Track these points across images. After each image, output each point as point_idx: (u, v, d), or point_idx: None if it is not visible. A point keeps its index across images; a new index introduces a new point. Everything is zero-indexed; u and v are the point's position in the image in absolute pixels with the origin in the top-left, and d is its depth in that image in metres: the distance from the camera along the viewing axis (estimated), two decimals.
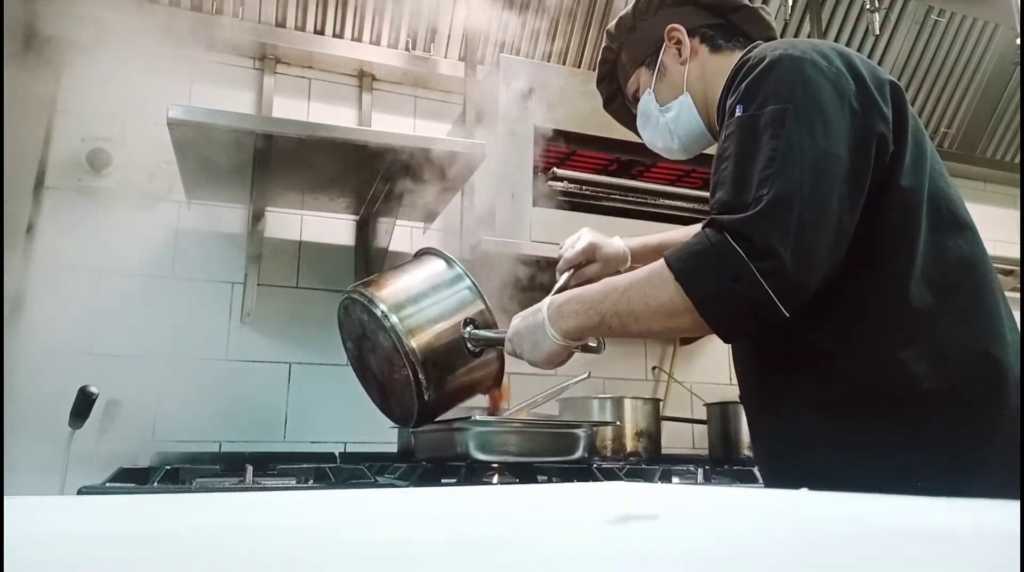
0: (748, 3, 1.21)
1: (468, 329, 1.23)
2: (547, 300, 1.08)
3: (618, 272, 1.30)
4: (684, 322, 0.91)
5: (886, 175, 0.93)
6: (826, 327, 0.93)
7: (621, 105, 1.35)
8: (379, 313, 1.21)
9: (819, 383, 0.94)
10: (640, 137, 1.31)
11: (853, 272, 0.91)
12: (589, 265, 1.40)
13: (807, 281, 0.86)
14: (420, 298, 1.25)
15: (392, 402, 1.32)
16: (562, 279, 1.36)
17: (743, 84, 0.96)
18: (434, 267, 1.31)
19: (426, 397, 1.22)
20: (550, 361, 1.09)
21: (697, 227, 1.31)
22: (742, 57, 1.04)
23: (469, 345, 1.23)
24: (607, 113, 1.40)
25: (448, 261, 1.31)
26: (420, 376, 1.20)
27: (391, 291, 1.24)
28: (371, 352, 1.30)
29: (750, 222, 0.85)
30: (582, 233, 1.40)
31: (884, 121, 0.94)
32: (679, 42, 1.20)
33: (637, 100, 1.28)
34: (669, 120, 1.21)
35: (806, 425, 0.95)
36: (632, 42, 1.27)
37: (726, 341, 0.99)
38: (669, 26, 1.20)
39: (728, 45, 1.18)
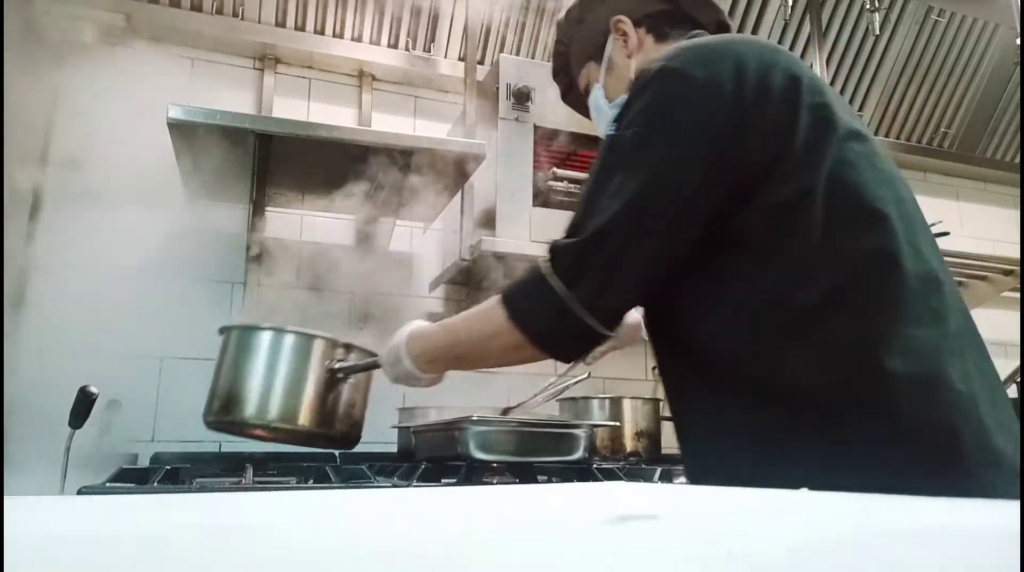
0: None
1: (337, 369, 1.28)
2: (403, 335, 1.13)
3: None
4: (528, 354, 0.97)
5: (764, 178, 0.88)
6: (711, 326, 0.92)
7: (577, 97, 1.31)
8: (250, 423, 1.26)
9: (704, 378, 0.94)
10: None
11: (737, 271, 0.90)
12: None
13: (623, 310, 0.93)
14: (269, 383, 1.27)
15: (320, 443, 1.40)
16: None
17: (627, 98, 0.95)
18: (257, 344, 1.30)
19: (335, 433, 1.31)
20: (428, 385, 1.16)
21: None
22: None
23: (344, 378, 1.28)
24: (565, 104, 1.38)
25: (261, 330, 1.30)
26: (318, 430, 1.28)
27: (237, 395, 1.26)
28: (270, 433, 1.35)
29: (574, 249, 0.90)
30: None
31: (761, 130, 0.88)
32: (625, 34, 1.16)
33: (588, 93, 1.25)
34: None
35: (697, 418, 0.97)
36: (580, 34, 1.24)
37: (568, 362, 1.04)
38: (615, 18, 1.16)
39: (675, 33, 1.14)
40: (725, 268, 0.90)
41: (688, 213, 0.88)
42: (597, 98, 1.22)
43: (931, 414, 0.82)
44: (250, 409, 1.25)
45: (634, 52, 1.15)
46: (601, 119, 1.23)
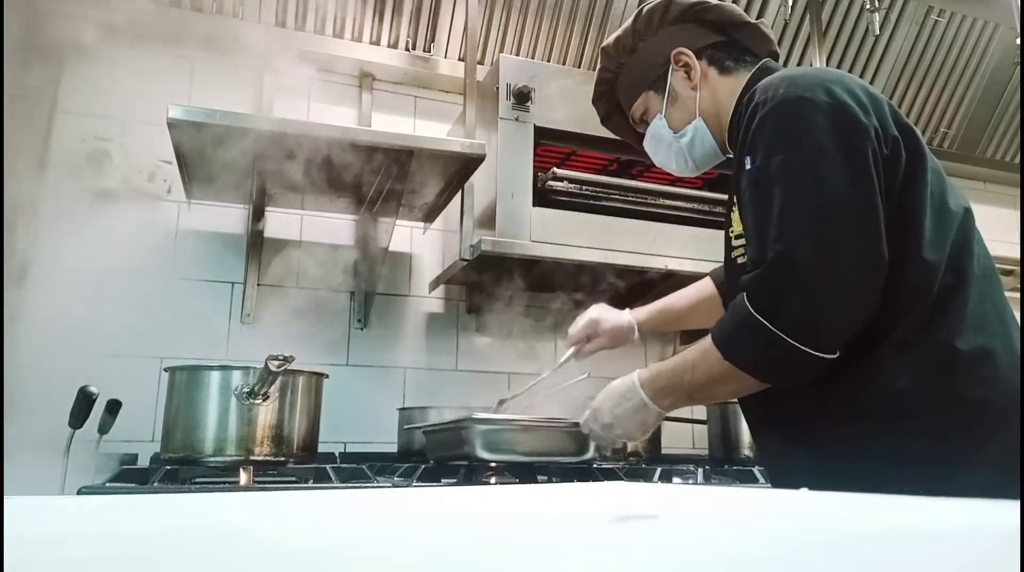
0: (750, 19, 1.20)
1: (246, 395, 1.38)
2: (635, 379, 1.14)
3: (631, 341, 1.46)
4: (748, 384, 1.00)
5: (898, 189, 0.97)
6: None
7: (621, 121, 1.33)
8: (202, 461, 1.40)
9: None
10: (644, 152, 1.30)
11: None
12: (593, 340, 1.47)
13: (837, 328, 0.92)
14: (208, 419, 1.39)
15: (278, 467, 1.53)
16: (566, 354, 1.48)
17: (750, 132, 0.99)
18: (188, 383, 1.44)
19: (284, 458, 1.44)
20: (645, 430, 1.18)
21: (701, 285, 1.42)
22: (748, 88, 1.07)
23: (258, 401, 1.37)
24: (605, 127, 1.39)
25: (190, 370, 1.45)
26: (268, 459, 1.40)
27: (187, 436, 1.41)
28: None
29: (765, 281, 0.93)
30: (589, 309, 1.48)
31: (890, 140, 0.97)
32: (687, 66, 1.18)
33: (644, 122, 1.26)
34: (684, 145, 1.21)
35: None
36: (633, 64, 1.25)
37: (786, 387, 1.03)
38: (676, 50, 1.18)
39: (736, 66, 1.18)
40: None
41: (865, 213, 0.92)
42: (659, 128, 1.23)
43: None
44: (206, 448, 1.37)
45: (698, 84, 1.18)
46: (659, 148, 1.26)
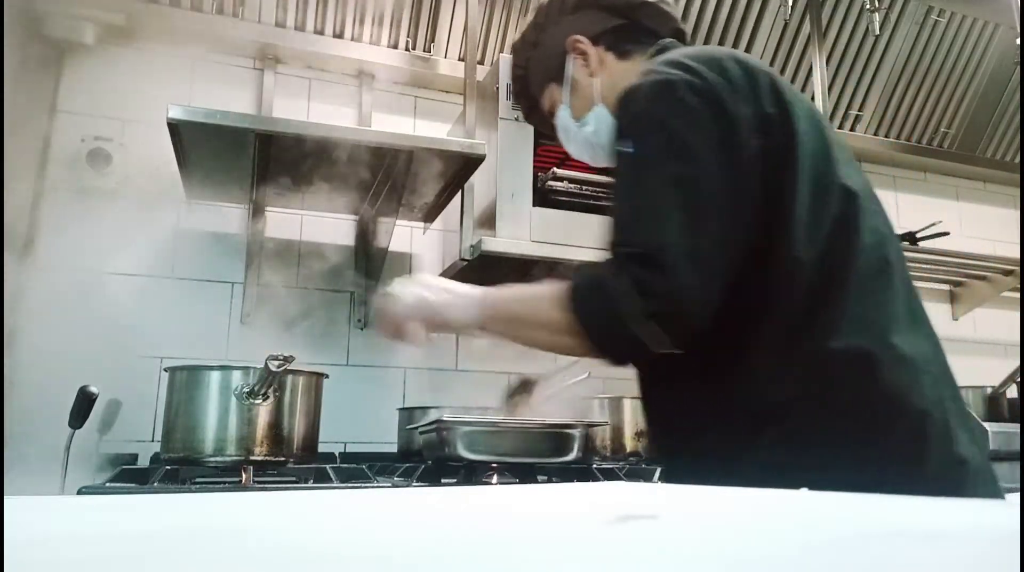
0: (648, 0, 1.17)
1: (246, 395, 1.38)
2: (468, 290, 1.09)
3: None
4: (570, 342, 0.95)
5: (769, 169, 0.92)
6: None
7: (541, 117, 1.30)
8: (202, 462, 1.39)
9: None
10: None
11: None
12: None
13: (692, 316, 0.88)
14: (207, 419, 1.40)
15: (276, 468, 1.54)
16: None
17: (620, 117, 0.97)
18: (187, 383, 1.45)
19: (283, 459, 1.44)
20: (417, 324, 1.11)
21: None
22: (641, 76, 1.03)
23: (258, 401, 1.37)
24: (530, 124, 1.37)
25: (190, 370, 1.45)
26: (268, 459, 1.41)
27: (186, 436, 1.41)
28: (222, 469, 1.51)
29: (634, 261, 0.88)
30: None
31: (759, 121, 0.92)
32: (584, 53, 1.16)
33: (553, 115, 1.24)
34: (589, 134, 1.18)
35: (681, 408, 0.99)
36: (537, 57, 1.24)
37: (615, 365, 0.99)
38: (572, 38, 1.16)
39: (635, 48, 1.14)
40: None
41: (733, 197, 0.89)
42: (564, 119, 1.21)
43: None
44: (205, 448, 1.37)
45: (596, 71, 1.15)
46: (568, 139, 1.23)
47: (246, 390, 1.30)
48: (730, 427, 0.92)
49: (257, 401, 1.31)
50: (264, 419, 1.37)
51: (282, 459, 1.40)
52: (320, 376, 1.53)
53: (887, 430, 0.85)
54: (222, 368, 1.40)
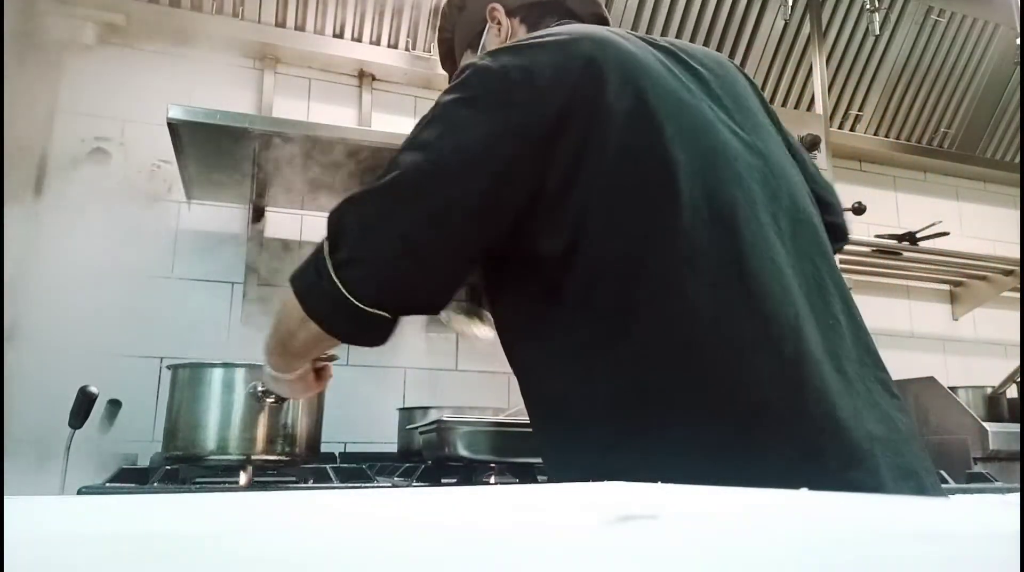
0: None
1: (257, 392, 1.28)
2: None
3: None
4: (312, 329, 0.89)
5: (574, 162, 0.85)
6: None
7: None
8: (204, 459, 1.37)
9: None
10: None
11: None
12: None
13: (374, 283, 0.83)
14: (211, 417, 1.37)
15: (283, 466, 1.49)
16: None
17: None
18: (192, 380, 1.41)
19: (288, 458, 1.40)
20: (293, 393, 1.13)
21: None
22: None
23: (270, 401, 1.27)
24: None
25: (194, 367, 1.42)
26: (271, 458, 1.37)
27: (191, 434, 1.38)
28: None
29: (335, 211, 0.86)
30: None
31: (563, 113, 0.85)
32: (499, 22, 1.14)
33: None
34: None
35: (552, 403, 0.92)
36: (461, 22, 1.22)
37: (362, 345, 0.93)
38: (491, 5, 1.14)
39: (546, 24, 1.10)
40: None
41: (474, 194, 0.83)
42: None
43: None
44: (208, 446, 1.35)
45: (506, 41, 1.11)
46: None
47: (260, 390, 1.26)
48: (537, 428, 0.92)
49: (271, 400, 1.27)
50: (269, 418, 1.36)
51: (286, 458, 1.39)
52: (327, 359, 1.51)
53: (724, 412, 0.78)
54: (225, 365, 1.38)
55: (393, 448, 1.94)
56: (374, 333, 0.88)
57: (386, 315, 0.85)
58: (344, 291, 0.82)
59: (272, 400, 1.25)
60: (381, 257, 0.83)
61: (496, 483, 1.50)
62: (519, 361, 0.95)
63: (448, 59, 1.29)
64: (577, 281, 0.85)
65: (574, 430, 0.85)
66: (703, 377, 0.79)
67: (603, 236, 0.84)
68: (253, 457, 1.35)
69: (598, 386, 0.83)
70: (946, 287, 2.99)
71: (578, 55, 0.88)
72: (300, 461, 1.42)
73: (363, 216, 0.85)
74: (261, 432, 1.35)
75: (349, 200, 0.87)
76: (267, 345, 1.04)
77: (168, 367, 1.47)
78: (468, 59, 1.19)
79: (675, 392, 0.79)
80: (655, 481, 0.47)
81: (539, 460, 1.47)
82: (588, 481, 0.50)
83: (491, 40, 1.15)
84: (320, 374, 1.16)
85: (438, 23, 1.29)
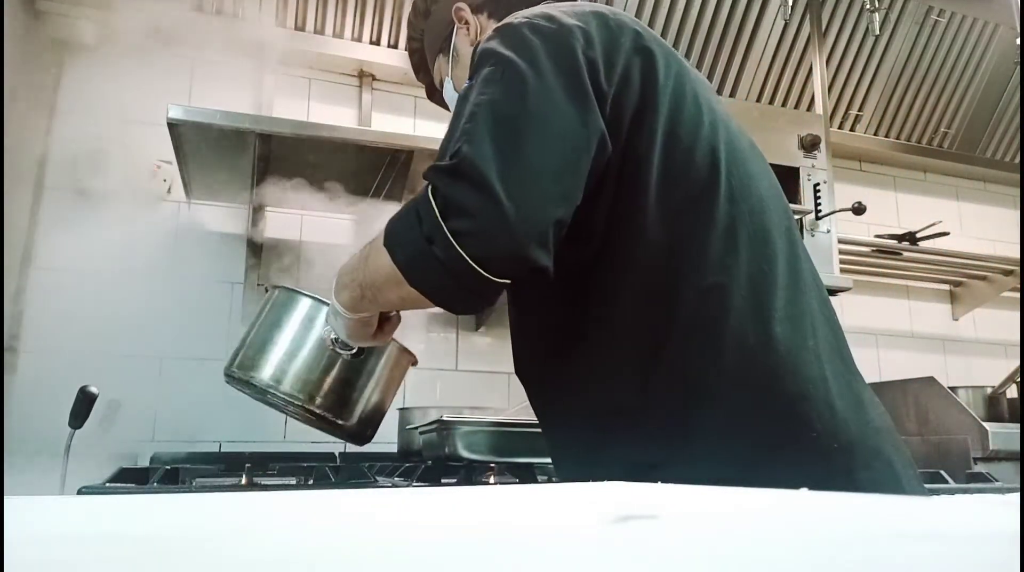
0: None
1: (332, 341, 1.15)
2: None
3: None
4: (408, 292, 0.81)
5: (622, 127, 0.83)
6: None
7: (440, 95, 1.23)
8: (257, 385, 1.19)
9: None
10: None
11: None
12: None
13: (509, 243, 0.73)
14: (282, 347, 1.21)
15: (327, 429, 1.28)
16: None
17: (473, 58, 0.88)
18: (282, 304, 1.25)
19: (342, 422, 1.21)
20: (351, 334, 1.02)
21: None
22: None
23: (345, 354, 1.16)
24: (432, 103, 1.30)
25: (290, 292, 1.25)
26: (322, 413, 1.19)
27: (255, 356, 1.22)
28: (278, 406, 1.28)
29: (443, 174, 0.76)
30: None
31: (616, 74, 0.84)
32: (467, 22, 1.11)
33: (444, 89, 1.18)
34: None
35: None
36: (428, 28, 1.19)
37: (455, 312, 0.87)
38: (455, 6, 1.11)
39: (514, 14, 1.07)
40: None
41: (572, 136, 0.79)
42: (448, 91, 1.14)
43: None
44: (264, 373, 1.19)
45: (477, 39, 1.09)
46: None
47: (334, 336, 1.13)
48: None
49: (347, 353, 1.15)
50: (340, 372, 1.21)
51: (340, 422, 1.22)
52: (410, 356, 1.32)
53: (759, 412, 0.77)
54: (314, 300, 1.23)
55: (393, 448, 1.94)
56: (491, 298, 0.80)
57: (507, 282, 0.77)
58: (471, 262, 0.74)
59: (349, 353, 1.15)
60: (532, 202, 0.75)
61: (496, 483, 1.50)
62: (552, 370, 0.91)
63: (421, 68, 1.25)
64: (614, 276, 0.83)
65: (625, 437, 0.82)
66: (755, 380, 0.78)
67: (644, 218, 0.82)
68: (301, 401, 1.20)
69: (644, 394, 0.81)
70: (946, 287, 2.99)
71: (624, 24, 0.88)
72: (350, 434, 1.26)
73: (484, 169, 0.74)
74: (322, 380, 1.20)
75: (448, 170, 0.76)
76: (340, 277, 0.96)
77: (267, 288, 1.32)
78: (441, 64, 1.16)
79: (720, 397, 0.79)
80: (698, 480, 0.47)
81: (539, 460, 1.47)
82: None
83: (461, 41, 1.12)
84: (385, 325, 1.05)
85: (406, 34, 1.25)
